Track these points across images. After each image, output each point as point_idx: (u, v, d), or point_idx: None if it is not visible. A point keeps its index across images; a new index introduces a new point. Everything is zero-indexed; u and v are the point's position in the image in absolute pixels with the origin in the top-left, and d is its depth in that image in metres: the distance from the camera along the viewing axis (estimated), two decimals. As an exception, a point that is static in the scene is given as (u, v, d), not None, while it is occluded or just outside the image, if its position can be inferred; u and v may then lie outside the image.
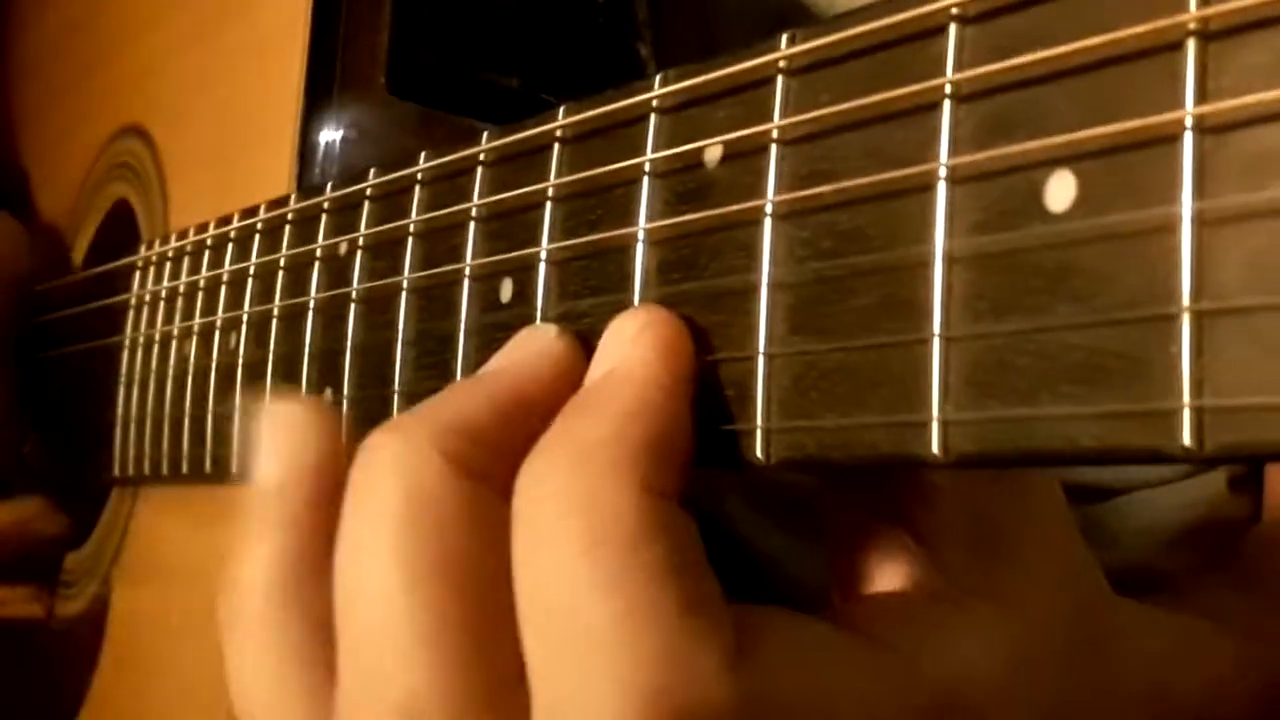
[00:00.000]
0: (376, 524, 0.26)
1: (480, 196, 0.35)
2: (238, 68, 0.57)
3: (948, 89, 0.23)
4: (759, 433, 0.26)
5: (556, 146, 0.33)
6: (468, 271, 0.35)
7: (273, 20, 0.54)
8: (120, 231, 0.69)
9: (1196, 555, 0.54)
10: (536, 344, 0.29)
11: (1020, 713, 0.30)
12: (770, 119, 0.27)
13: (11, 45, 0.86)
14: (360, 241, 0.40)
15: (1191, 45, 0.20)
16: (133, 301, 0.59)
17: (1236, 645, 0.40)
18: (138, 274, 0.59)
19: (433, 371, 0.37)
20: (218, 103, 0.58)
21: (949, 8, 0.24)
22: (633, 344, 0.27)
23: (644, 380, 0.26)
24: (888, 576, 0.30)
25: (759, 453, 0.26)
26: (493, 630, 0.26)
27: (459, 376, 0.35)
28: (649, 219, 0.29)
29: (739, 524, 0.54)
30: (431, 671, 0.25)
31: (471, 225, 0.35)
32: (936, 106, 0.23)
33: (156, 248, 0.57)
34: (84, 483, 0.67)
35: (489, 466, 0.26)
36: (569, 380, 0.28)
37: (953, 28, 0.23)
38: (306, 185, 0.48)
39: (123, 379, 0.58)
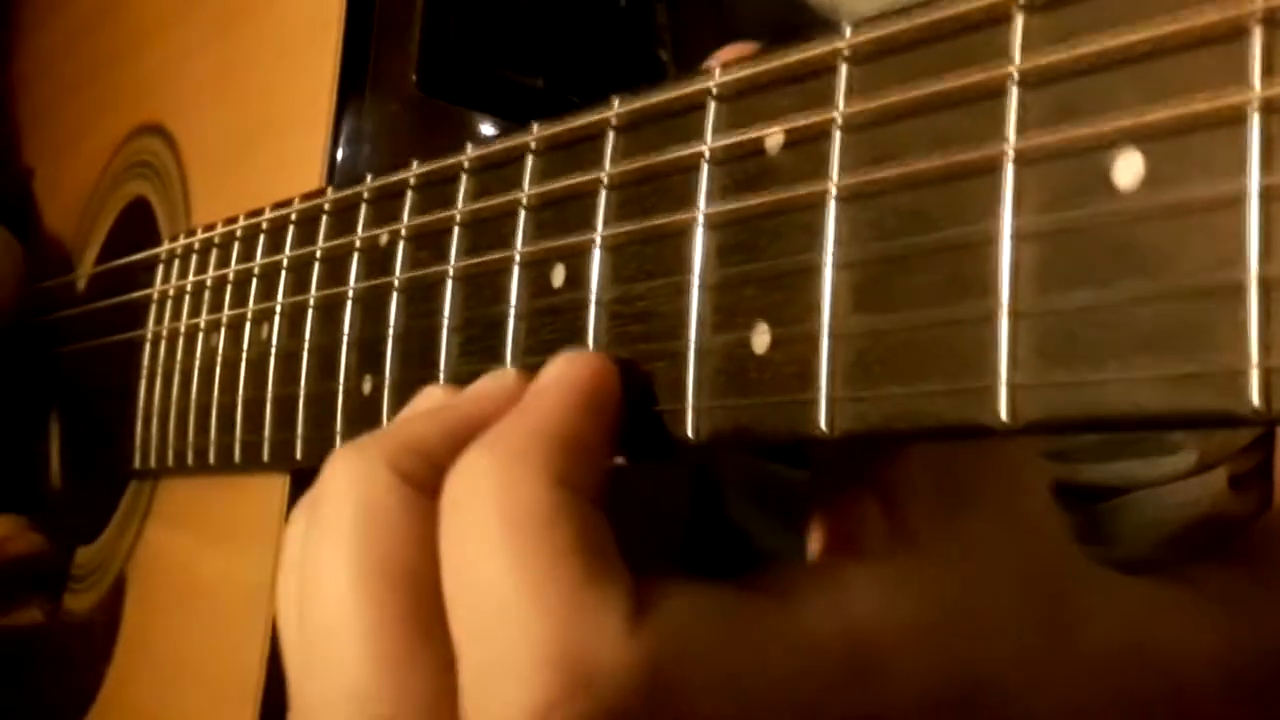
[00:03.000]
0: (332, 529, 0.30)
1: (530, 185, 0.36)
2: (262, 66, 0.58)
3: (1014, 75, 0.24)
4: (823, 405, 0.27)
5: (611, 134, 0.34)
6: (517, 258, 0.36)
7: (298, 19, 0.55)
8: (135, 229, 0.69)
9: (1199, 552, 0.55)
10: (491, 379, 0.34)
11: (945, 667, 0.32)
12: (833, 105, 0.28)
13: (23, 44, 0.86)
14: (403, 231, 0.41)
15: (1258, 31, 0.21)
16: (155, 296, 0.59)
17: (1228, 618, 0.41)
18: (160, 268, 0.59)
19: (479, 356, 0.37)
20: (241, 100, 0.59)
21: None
22: (559, 366, 0.32)
23: (560, 393, 0.31)
24: (838, 537, 0.33)
25: (823, 425, 0.27)
26: (430, 620, 0.29)
27: (508, 361, 0.36)
28: (708, 204, 0.30)
29: (743, 522, 0.55)
30: (375, 661, 0.29)
31: (521, 213, 0.36)
32: (1002, 92, 0.25)
33: (181, 241, 0.58)
34: (99, 477, 0.67)
35: (434, 479, 0.30)
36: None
37: (1019, 16, 0.25)
38: (337, 181, 0.49)
39: (145, 372, 0.59)
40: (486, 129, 0.51)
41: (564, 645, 0.27)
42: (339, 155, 0.51)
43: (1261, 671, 0.41)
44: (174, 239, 0.59)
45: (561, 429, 0.30)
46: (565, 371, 0.31)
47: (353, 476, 0.31)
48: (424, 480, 0.30)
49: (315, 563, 0.31)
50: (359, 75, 0.51)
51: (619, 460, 0.40)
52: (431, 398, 0.36)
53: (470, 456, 0.29)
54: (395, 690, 0.29)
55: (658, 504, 0.47)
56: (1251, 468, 0.59)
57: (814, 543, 0.34)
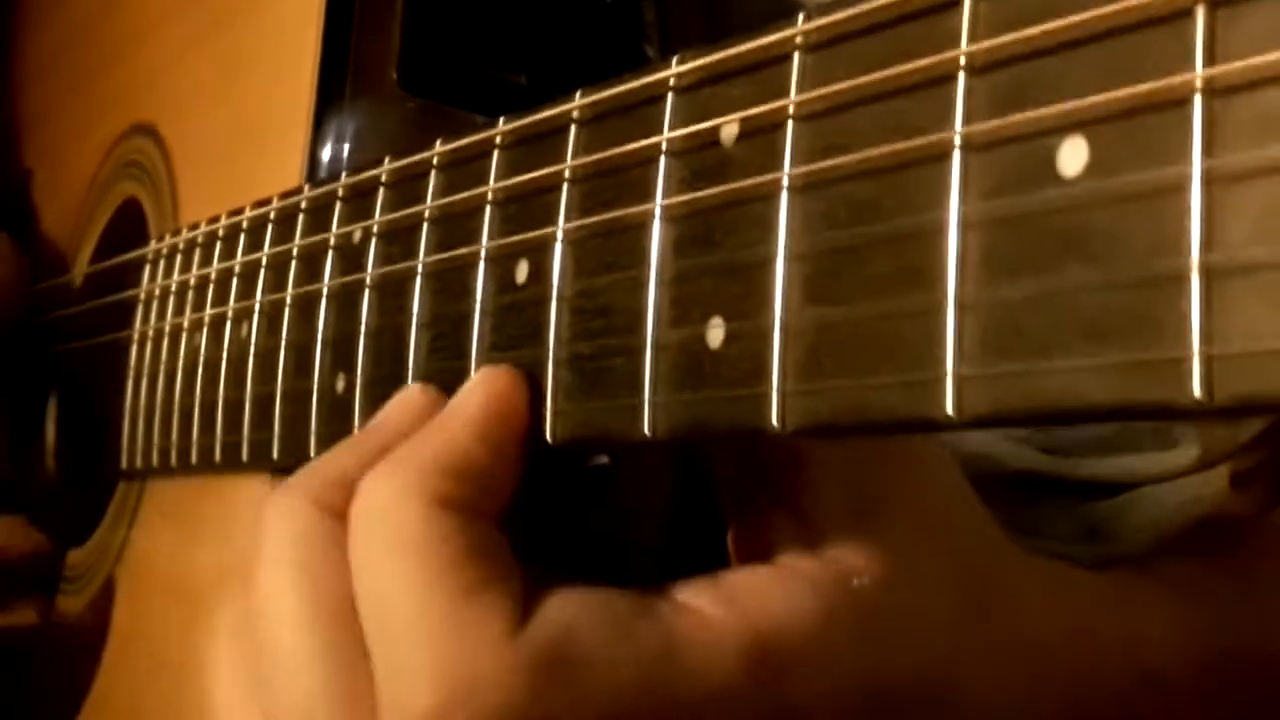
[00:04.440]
0: (272, 567, 0.34)
1: (497, 179, 0.36)
2: (248, 65, 0.58)
3: (962, 61, 0.24)
4: (774, 400, 0.26)
5: (573, 128, 0.33)
6: (482, 254, 0.36)
7: (284, 18, 0.55)
8: (129, 229, 0.69)
9: (1198, 551, 0.55)
10: (401, 399, 0.36)
11: (862, 670, 0.32)
12: (786, 95, 0.27)
13: (20, 45, 0.86)
14: (374, 228, 0.41)
15: (1201, 11, 0.21)
16: (142, 296, 0.59)
17: (1184, 607, 0.41)
18: (147, 268, 0.59)
19: (446, 354, 0.37)
20: (228, 100, 0.59)
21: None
22: (465, 393, 0.34)
23: (456, 420, 0.33)
24: (748, 549, 0.34)
25: (774, 420, 0.26)
26: (354, 639, 0.32)
27: (473, 358, 0.36)
28: (666, 196, 0.30)
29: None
30: (310, 677, 0.32)
31: (488, 208, 0.36)
32: (951, 78, 0.24)
33: (166, 241, 0.58)
34: (91, 478, 0.67)
35: (348, 487, 0.33)
36: (419, 424, 0.34)
37: (966, 2, 0.24)
38: (318, 178, 0.49)
39: (131, 373, 0.59)
40: (478, 126, 0.51)
41: (448, 655, 0.29)
42: (321, 154, 0.51)
43: (1233, 666, 0.40)
44: (160, 238, 0.59)
45: (451, 456, 0.32)
46: (468, 397, 0.33)
47: (283, 514, 0.34)
48: (342, 507, 0.33)
49: (264, 592, 0.33)
50: (339, 73, 0.51)
51: (602, 459, 0.39)
52: (409, 399, 0.37)
53: (366, 482, 0.32)
54: (333, 702, 0.31)
55: (638, 501, 0.46)
56: (1254, 465, 0.58)
57: (731, 557, 0.34)
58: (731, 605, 0.31)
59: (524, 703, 0.29)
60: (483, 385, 0.33)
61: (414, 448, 0.32)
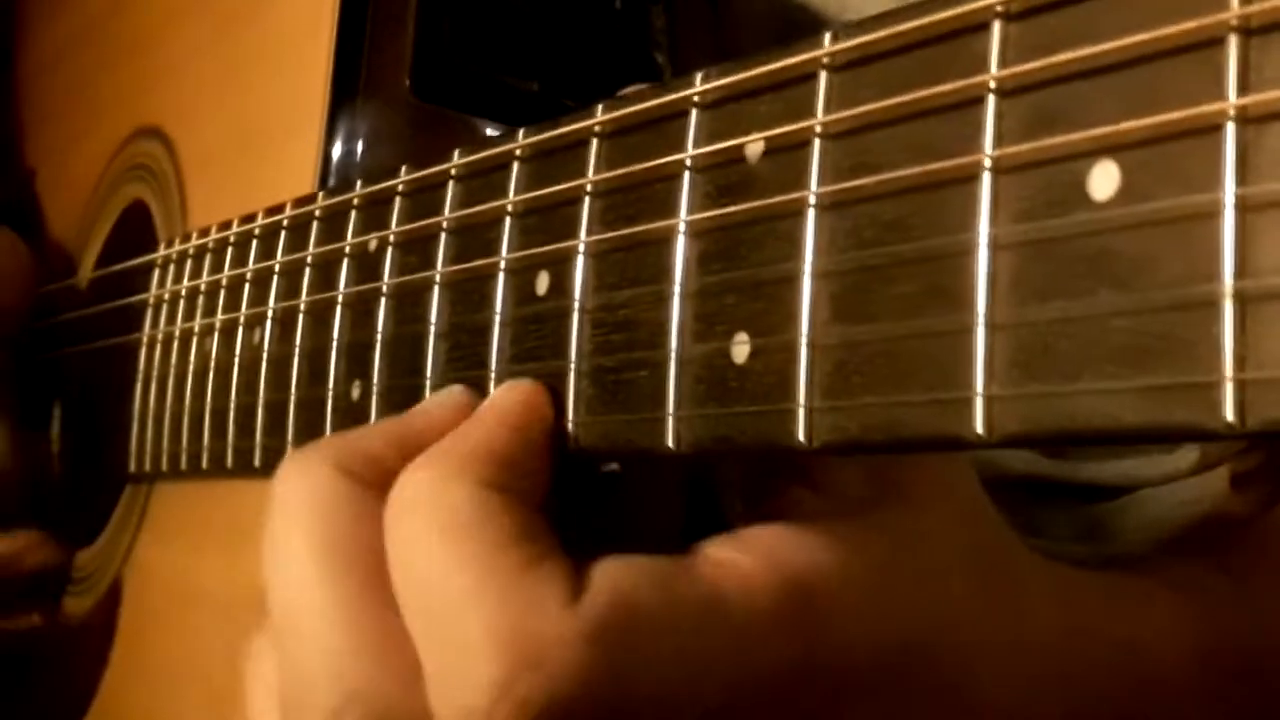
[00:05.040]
0: (289, 520, 0.33)
1: (516, 192, 0.36)
2: (257, 70, 0.58)
3: (992, 84, 0.24)
4: (801, 416, 0.27)
5: (595, 142, 0.33)
6: (503, 265, 0.36)
7: (294, 22, 0.55)
8: (134, 232, 0.69)
9: (1197, 551, 0.55)
10: (439, 396, 0.37)
11: (886, 624, 0.33)
12: (813, 114, 0.28)
13: (27, 46, 0.86)
14: (391, 237, 0.41)
15: (1233, 41, 0.21)
16: (151, 300, 0.59)
17: (1182, 606, 0.41)
18: (156, 273, 0.59)
19: (464, 363, 0.37)
20: (237, 104, 0.59)
21: (993, 6, 0.25)
22: (497, 395, 0.35)
23: (493, 416, 0.34)
24: (769, 514, 0.34)
25: (801, 436, 0.27)
26: (382, 599, 0.32)
27: (492, 368, 0.36)
28: (690, 212, 0.30)
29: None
30: (334, 632, 0.32)
31: (507, 220, 0.36)
32: (980, 101, 0.24)
33: (177, 246, 0.58)
34: (98, 480, 0.68)
35: (380, 479, 0.33)
36: (458, 420, 0.35)
37: (996, 25, 0.24)
38: (331, 185, 0.49)
39: (140, 376, 0.59)
40: (481, 133, 0.51)
41: (510, 627, 0.29)
42: (333, 159, 0.51)
43: (1231, 664, 0.41)
44: (170, 243, 0.59)
45: (491, 447, 0.33)
46: (500, 398, 0.34)
47: (301, 472, 0.34)
48: (369, 479, 0.33)
49: (275, 554, 0.33)
50: (352, 79, 0.51)
51: (613, 466, 0.39)
52: (451, 396, 0.37)
53: (410, 471, 0.32)
54: (372, 660, 0.31)
55: (651, 510, 0.46)
56: (1254, 467, 0.59)
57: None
58: (759, 553, 0.32)
59: (588, 668, 0.29)
60: (512, 389, 0.34)
61: (455, 440, 0.33)
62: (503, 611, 0.30)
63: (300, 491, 0.33)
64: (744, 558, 0.32)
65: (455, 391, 0.37)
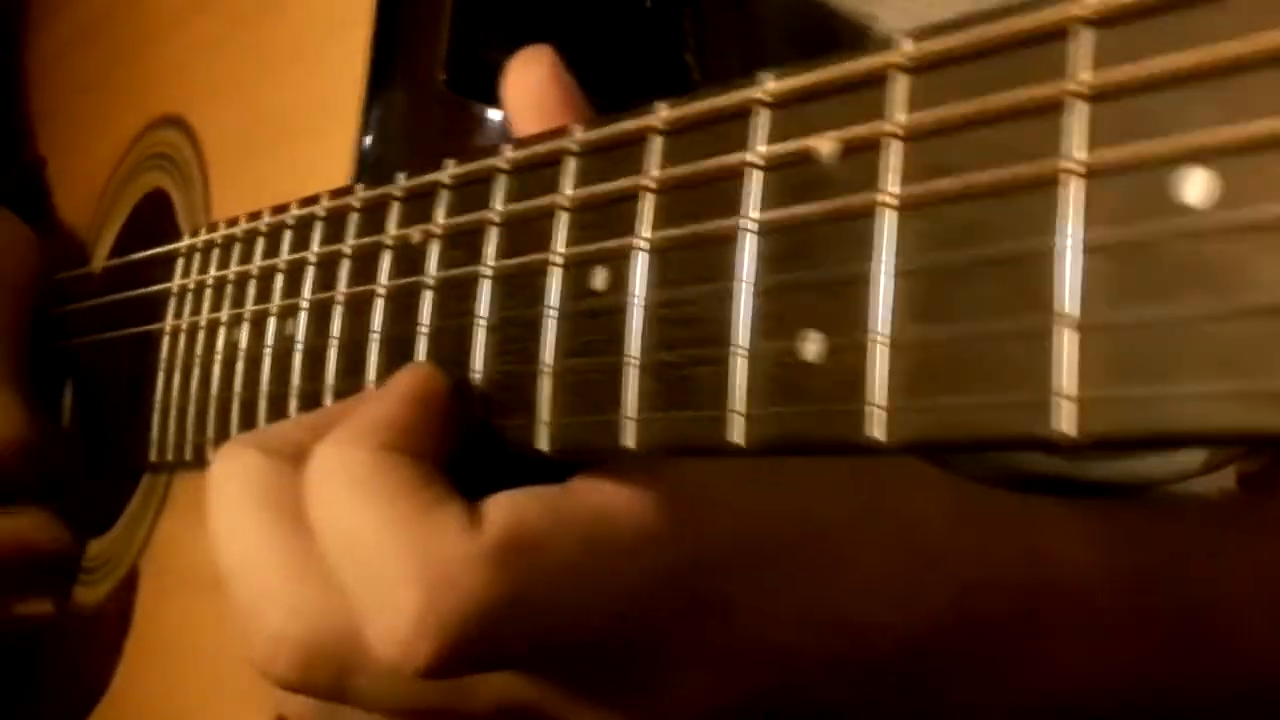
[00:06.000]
0: (219, 491, 0.39)
1: (570, 187, 0.36)
2: (287, 61, 0.58)
3: (1081, 90, 0.24)
4: (878, 415, 0.27)
5: (658, 139, 0.34)
6: (557, 259, 0.36)
7: (328, 15, 0.55)
8: (151, 221, 0.69)
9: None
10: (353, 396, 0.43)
11: (770, 510, 0.37)
12: (889, 116, 0.28)
13: (38, 34, 0.86)
14: (437, 230, 0.41)
15: (1334, 50, 0.21)
16: (174, 289, 0.59)
17: (1101, 527, 0.43)
18: (180, 262, 0.59)
19: (514, 357, 0.37)
20: (265, 94, 0.59)
21: (1078, 11, 0.25)
22: (396, 374, 0.39)
23: (387, 391, 0.38)
24: None
25: (878, 434, 0.27)
26: (310, 548, 0.36)
27: (544, 362, 0.36)
28: (758, 210, 0.30)
29: None
30: (272, 570, 0.37)
31: (562, 214, 0.36)
32: (1069, 106, 0.25)
33: (202, 235, 0.58)
34: (111, 469, 0.67)
35: (299, 454, 0.38)
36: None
37: (1086, 30, 0.25)
38: (365, 178, 0.49)
39: (163, 366, 0.59)
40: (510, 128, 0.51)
41: (419, 561, 0.34)
42: (367, 154, 0.51)
43: (1165, 603, 0.42)
44: (194, 233, 0.59)
45: (386, 416, 0.37)
46: (396, 377, 0.39)
47: (232, 455, 0.39)
48: (288, 456, 0.38)
49: (215, 523, 0.38)
50: (389, 72, 0.51)
51: None
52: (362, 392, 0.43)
53: (320, 445, 0.37)
54: (311, 588, 0.36)
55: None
56: (1260, 467, 0.59)
57: None
58: (632, 474, 0.36)
59: (494, 584, 0.34)
60: (408, 370, 0.39)
61: (356, 414, 0.38)
62: (410, 547, 0.34)
63: (232, 469, 0.39)
64: (615, 478, 0.36)
65: (365, 387, 0.43)
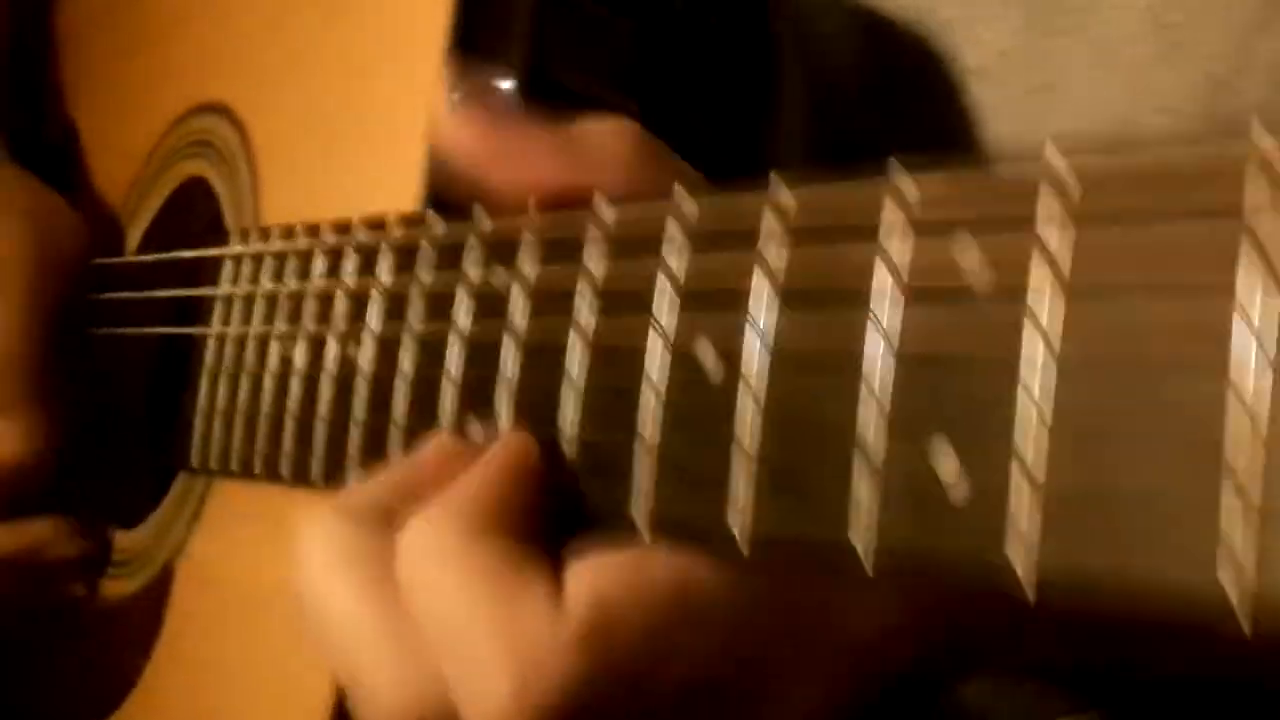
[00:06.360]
0: (315, 565, 0.39)
1: (679, 261, 0.35)
2: (353, 63, 0.56)
3: (1257, 232, 0.24)
4: (1020, 555, 0.26)
5: (774, 219, 0.33)
6: (662, 333, 0.35)
7: (403, 23, 0.53)
8: (189, 209, 0.68)
9: None
10: (432, 445, 0.42)
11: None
12: (1043, 235, 0.27)
13: (66, 6, 0.84)
14: (525, 283, 0.40)
15: None
16: (221, 294, 0.58)
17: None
18: (229, 265, 0.58)
19: (607, 425, 0.37)
20: (326, 95, 0.58)
21: (1249, 155, 0.24)
22: (494, 448, 0.39)
23: (485, 468, 0.39)
24: None
25: (1020, 571, 0.26)
26: (411, 623, 0.37)
27: (643, 432, 0.35)
28: (890, 320, 0.30)
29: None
30: (381, 643, 0.37)
31: (669, 287, 0.35)
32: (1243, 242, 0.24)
33: (254, 242, 0.57)
34: (141, 464, 0.66)
35: (388, 520, 0.39)
36: (446, 464, 0.40)
37: (1259, 175, 0.24)
38: (434, 199, 0.48)
39: (206, 370, 0.58)
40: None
41: (508, 641, 0.35)
42: (438, 169, 0.50)
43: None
44: (245, 236, 0.58)
45: (482, 496, 0.38)
46: (493, 453, 0.39)
47: (315, 524, 0.40)
48: (376, 520, 0.39)
49: (314, 597, 0.39)
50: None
51: None
52: (442, 444, 0.42)
53: (415, 520, 0.38)
54: (417, 665, 0.36)
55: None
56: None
57: None
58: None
59: (581, 666, 0.35)
60: (504, 444, 0.39)
61: (452, 490, 0.38)
62: (499, 633, 0.35)
63: (320, 540, 0.39)
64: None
65: (444, 440, 0.42)
